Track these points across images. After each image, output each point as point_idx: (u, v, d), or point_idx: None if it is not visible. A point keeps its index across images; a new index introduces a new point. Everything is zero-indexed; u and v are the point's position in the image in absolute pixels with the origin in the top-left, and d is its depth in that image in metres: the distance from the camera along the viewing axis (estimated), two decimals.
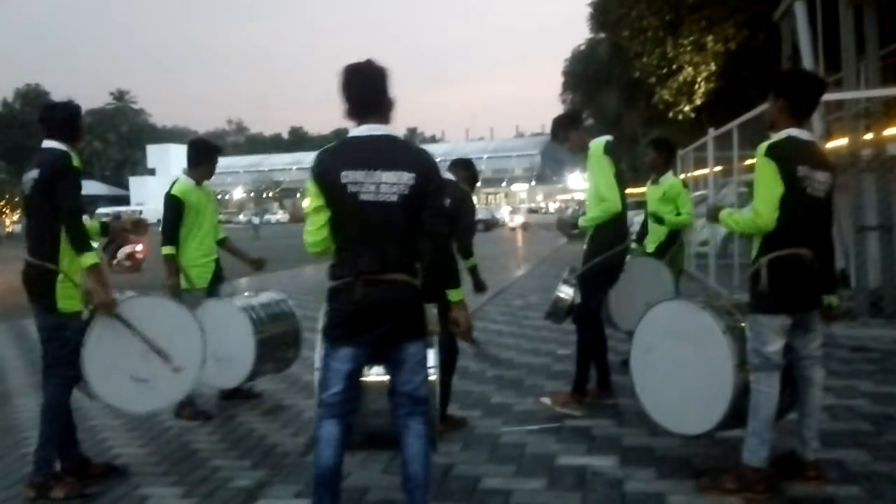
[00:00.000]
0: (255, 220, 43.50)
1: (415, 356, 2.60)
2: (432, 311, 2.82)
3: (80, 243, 3.20)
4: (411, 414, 2.60)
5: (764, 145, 2.91)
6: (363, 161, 2.48)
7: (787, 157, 2.86)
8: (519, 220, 41.06)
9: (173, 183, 4.48)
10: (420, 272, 2.61)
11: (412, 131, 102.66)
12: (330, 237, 2.59)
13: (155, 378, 3.44)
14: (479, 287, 4.40)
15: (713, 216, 3.33)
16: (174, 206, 4.37)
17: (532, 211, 45.83)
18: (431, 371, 2.73)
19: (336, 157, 2.55)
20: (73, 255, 3.23)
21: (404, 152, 2.56)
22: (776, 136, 2.95)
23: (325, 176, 2.51)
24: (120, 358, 3.36)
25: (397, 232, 2.52)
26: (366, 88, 2.58)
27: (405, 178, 2.48)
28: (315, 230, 2.59)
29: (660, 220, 5.17)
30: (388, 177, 2.47)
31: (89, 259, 3.18)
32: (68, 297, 3.26)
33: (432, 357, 2.75)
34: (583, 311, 4.34)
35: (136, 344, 3.37)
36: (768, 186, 2.85)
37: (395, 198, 2.47)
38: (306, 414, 4.44)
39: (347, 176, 2.47)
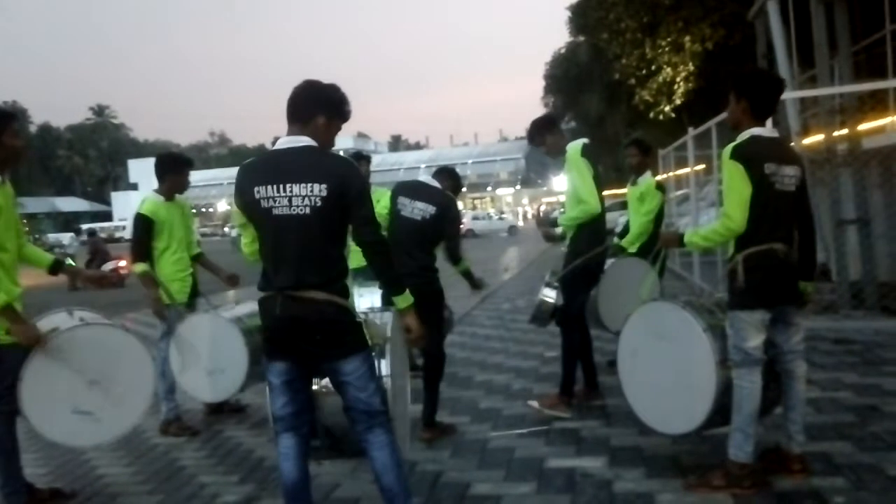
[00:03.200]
0: (233, 233, 42.62)
1: (355, 373, 2.52)
2: (377, 322, 2.81)
3: None
4: (369, 428, 2.57)
5: (729, 148, 2.94)
6: (274, 175, 2.44)
7: (753, 157, 2.89)
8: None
9: (143, 201, 4.43)
10: (347, 288, 2.55)
11: (396, 138, 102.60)
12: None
13: (100, 410, 3.31)
14: (476, 286, 4.40)
15: (674, 243, 3.33)
16: (144, 225, 4.32)
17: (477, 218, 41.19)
18: (385, 380, 2.70)
19: (250, 172, 2.53)
20: (11, 284, 3.10)
21: (317, 163, 2.47)
22: (740, 138, 2.98)
23: (241, 193, 2.50)
24: (60, 391, 3.21)
25: (314, 245, 2.45)
26: (289, 102, 2.57)
27: (316, 190, 2.40)
28: (250, 242, 2.65)
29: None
30: (298, 189, 2.40)
31: None
32: (5, 329, 3.10)
33: (384, 366, 2.71)
34: (565, 313, 4.36)
35: (78, 375, 3.24)
36: (737, 189, 2.88)
37: (307, 210, 2.40)
38: None
39: (260, 191, 2.43)
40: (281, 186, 2.42)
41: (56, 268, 3.59)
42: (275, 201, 2.42)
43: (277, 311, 2.47)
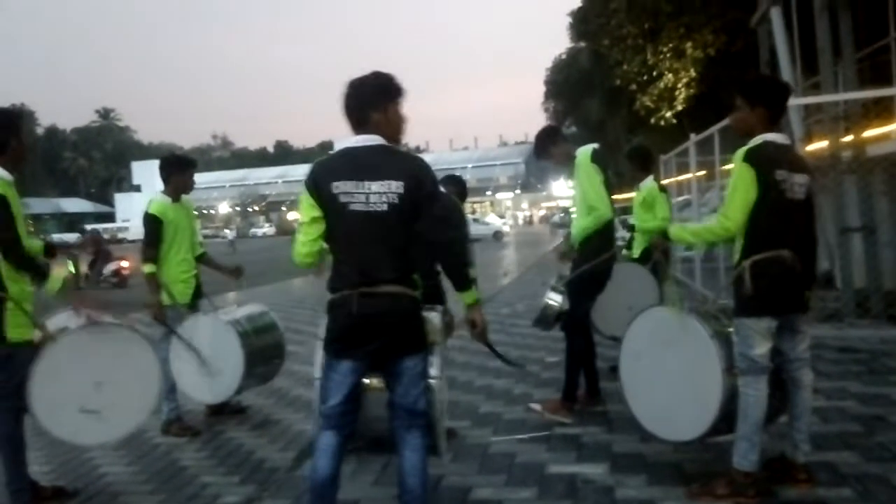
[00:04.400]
0: (230, 235, 41.82)
1: (412, 369, 2.57)
2: (434, 320, 2.79)
3: (30, 271, 3.10)
4: (409, 427, 2.59)
5: (742, 150, 2.92)
6: (352, 171, 2.48)
7: (766, 162, 2.87)
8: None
9: (150, 202, 4.44)
10: (419, 282, 2.60)
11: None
12: (324, 249, 2.59)
13: (106, 409, 3.32)
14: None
15: (661, 241, 3.31)
16: (153, 225, 4.32)
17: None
18: (433, 381, 2.70)
19: (327, 168, 2.56)
20: (22, 282, 3.13)
21: (393, 161, 2.54)
22: (753, 142, 2.96)
23: (318, 187, 2.51)
24: (69, 389, 3.23)
25: (390, 242, 2.50)
26: (354, 101, 2.60)
27: (394, 187, 2.46)
28: (309, 241, 2.58)
29: (631, 228, 5.23)
30: (376, 186, 2.46)
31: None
32: (18, 326, 3.13)
33: (435, 367, 2.72)
34: (571, 318, 4.34)
35: (86, 374, 3.27)
36: (742, 191, 2.86)
37: (385, 207, 2.46)
38: (295, 428, 4.40)
39: (338, 186, 2.47)
40: (359, 183, 2.46)
41: (50, 249, 3.58)
42: (353, 197, 2.46)
43: (354, 309, 2.48)
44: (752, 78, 3.22)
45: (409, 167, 2.54)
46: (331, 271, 2.59)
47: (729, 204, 2.89)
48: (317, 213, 2.54)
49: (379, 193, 2.46)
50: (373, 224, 2.47)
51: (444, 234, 2.59)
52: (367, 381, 2.67)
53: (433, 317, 2.78)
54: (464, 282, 2.67)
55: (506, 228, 39.74)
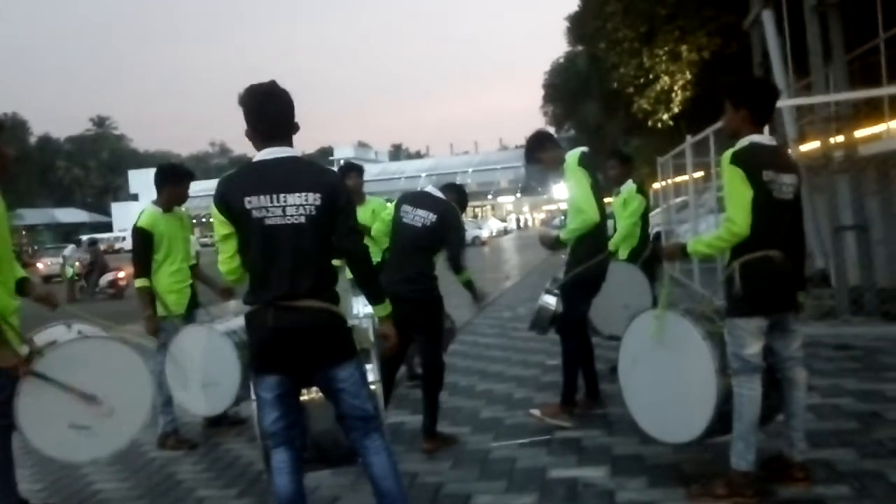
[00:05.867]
0: (203, 242, 40.21)
1: (349, 379, 2.54)
2: (363, 327, 2.82)
3: None
4: (365, 434, 2.58)
5: (729, 153, 2.94)
6: (267, 185, 2.43)
7: (753, 163, 2.89)
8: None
9: (140, 214, 4.42)
10: (338, 295, 2.56)
11: (397, 147, 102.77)
12: (242, 264, 2.55)
13: (97, 424, 3.27)
14: (478, 298, 4.36)
15: (677, 255, 3.28)
16: (142, 238, 4.30)
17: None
18: (373, 385, 2.72)
19: (238, 182, 2.50)
20: (6, 296, 3.05)
21: (309, 173, 2.50)
22: (739, 144, 2.98)
23: (228, 203, 2.45)
24: (57, 405, 3.17)
25: (308, 255, 2.46)
26: (276, 112, 2.55)
27: (311, 199, 2.43)
28: (228, 258, 2.55)
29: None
30: (293, 199, 2.42)
31: None
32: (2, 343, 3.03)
33: (371, 372, 2.73)
34: (566, 321, 4.36)
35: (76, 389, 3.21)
36: (738, 192, 2.88)
37: (302, 220, 2.42)
38: None
39: (251, 201, 2.41)
40: (274, 196, 2.42)
41: (22, 287, 3.42)
42: (267, 211, 2.42)
43: (270, 322, 2.45)
44: (738, 79, 3.26)
45: (326, 180, 2.51)
46: (247, 286, 2.56)
47: (730, 207, 2.91)
48: (229, 229, 2.50)
49: (296, 206, 2.42)
50: (290, 237, 2.42)
51: (356, 244, 2.58)
52: (305, 396, 2.67)
53: (362, 325, 2.81)
54: (377, 294, 2.69)
55: (484, 234, 38.05)
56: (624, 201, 5.45)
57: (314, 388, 2.71)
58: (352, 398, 2.55)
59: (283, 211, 2.42)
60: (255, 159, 2.55)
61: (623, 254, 5.45)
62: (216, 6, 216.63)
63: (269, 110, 2.53)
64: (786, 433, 3.10)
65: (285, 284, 2.44)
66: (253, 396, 2.66)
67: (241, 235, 2.50)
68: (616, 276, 4.69)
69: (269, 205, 2.42)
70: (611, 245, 5.21)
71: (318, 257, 2.49)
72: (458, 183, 4.57)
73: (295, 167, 2.50)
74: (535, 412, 4.40)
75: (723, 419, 3.00)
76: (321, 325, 2.49)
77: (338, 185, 2.54)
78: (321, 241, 2.48)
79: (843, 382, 4.66)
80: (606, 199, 4.63)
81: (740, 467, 2.93)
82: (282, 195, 2.42)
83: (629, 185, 5.51)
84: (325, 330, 2.50)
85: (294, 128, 2.58)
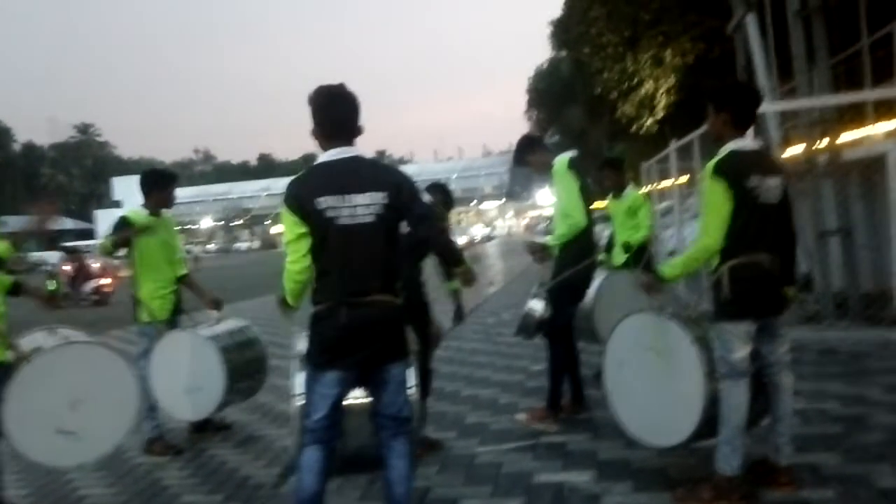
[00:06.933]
0: (196, 250, 38.49)
1: (397, 377, 2.61)
2: (410, 331, 2.82)
3: None
4: (395, 435, 2.62)
5: (711, 164, 2.94)
6: (336, 186, 2.51)
7: (736, 171, 2.89)
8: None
9: (126, 212, 4.43)
10: (401, 291, 2.63)
11: (381, 153, 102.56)
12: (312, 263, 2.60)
13: (83, 429, 3.27)
14: (459, 315, 4.35)
15: (657, 286, 3.17)
16: (121, 223, 4.28)
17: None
18: (411, 390, 2.75)
19: (309, 184, 2.57)
20: None
21: (374, 172, 2.59)
22: (721, 153, 2.98)
23: (300, 204, 2.51)
24: (44, 410, 3.17)
25: (378, 253, 2.55)
26: (344, 112, 2.62)
27: (378, 198, 2.52)
28: (300, 258, 2.58)
29: (629, 249, 5.29)
30: (361, 199, 2.50)
31: None
32: None
33: (412, 376, 2.76)
34: (552, 325, 4.34)
35: (62, 394, 3.21)
36: (716, 207, 2.88)
37: (371, 218, 2.51)
38: (278, 444, 4.36)
39: (323, 202, 2.48)
40: (344, 197, 2.49)
41: (16, 289, 3.47)
42: (338, 211, 2.49)
43: (343, 318, 2.50)
44: (720, 84, 3.27)
45: (391, 178, 2.60)
46: (314, 284, 2.59)
47: (706, 222, 2.92)
48: (302, 229, 2.54)
49: (365, 205, 2.50)
50: (360, 236, 2.50)
51: (431, 230, 2.68)
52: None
53: (408, 329, 2.82)
54: (461, 262, 2.84)
55: (463, 240, 37.19)
56: (628, 208, 5.35)
57: (353, 393, 2.71)
58: (393, 395, 2.61)
59: (354, 211, 2.50)
60: (320, 159, 2.61)
61: (617, 260, 5.41)
62: (198, 15, 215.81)
63: (336, 111, 2.61)
64: (772, 438, 3.11)
65: (358, 282, 2.52)
66: (295, 392, 2.68)
67: (314, 236, 2.53)
68: (620, 284, 4.65)
69: (340, 205, 2.49)
70: (624, 250, 5.21)
71: (386, 254, 2.58)
72: (441, 182, 4.49)
73: (361, 167, 2.58)
74: (521, 417, 4.39)
75: (709, 423, 3.00)
76: (390, 319, 2.58)
77: (402, 181, 2.62)
78: (389, 238, 2.57)
79: (827, 386, 4.68)
80: (599, 204, 4.61)
81: (726, 472, 2.92)
82: (351, 195, 2.50)
83: (632, 191, 5.42)
84: (393, 324, 2.60)
85: (358, 130, 2.64)
